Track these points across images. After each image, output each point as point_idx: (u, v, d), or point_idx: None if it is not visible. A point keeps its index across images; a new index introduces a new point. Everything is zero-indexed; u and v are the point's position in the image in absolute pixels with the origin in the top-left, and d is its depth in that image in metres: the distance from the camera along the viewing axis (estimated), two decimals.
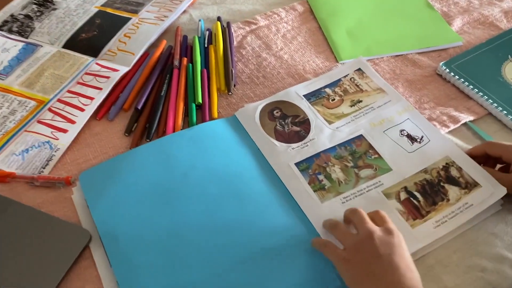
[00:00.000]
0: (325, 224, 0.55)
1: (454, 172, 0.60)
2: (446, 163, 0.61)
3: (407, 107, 0.68)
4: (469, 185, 0.59)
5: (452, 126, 0.67)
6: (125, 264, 0.53)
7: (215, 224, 0.56)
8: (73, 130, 0.65)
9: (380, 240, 0.49)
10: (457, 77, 0.73)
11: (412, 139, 0.64)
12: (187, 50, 0.77)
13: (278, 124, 0.67)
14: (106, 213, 0.57)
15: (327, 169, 0.62)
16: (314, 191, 0.59)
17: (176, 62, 0.74)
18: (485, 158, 0.61)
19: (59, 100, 0.68)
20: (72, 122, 0.66)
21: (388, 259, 0.47)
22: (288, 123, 0.67)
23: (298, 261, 0.54)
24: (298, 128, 0.66)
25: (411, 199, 0.58)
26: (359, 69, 0.74)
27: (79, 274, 0.53)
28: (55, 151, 0.63)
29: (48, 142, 0.64)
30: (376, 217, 0.53)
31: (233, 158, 0.63)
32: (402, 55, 0.79)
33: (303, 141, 0.65)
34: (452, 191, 0.59)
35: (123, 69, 0.72)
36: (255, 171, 0.61)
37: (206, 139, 0.64)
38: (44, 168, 0.61)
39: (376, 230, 0.50)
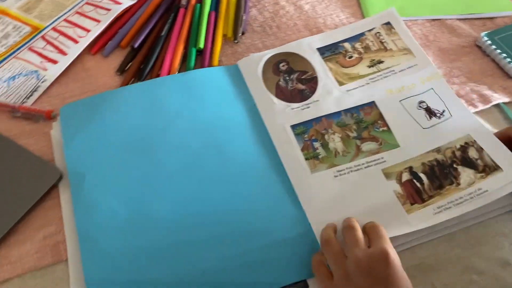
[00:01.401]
0: (321, 236, 0.47)
1: (472, 153, 0.52)
2: (465, 143, 0.53)
3: (434, 74, 0.59)
4: (488, 169, 0.51)
5: (481, 107, 0.58)
6: (87, 208, 0.49)
7: (191, 179, 0.51)
8: (64, 62, 0.61)
9: (371, 269, 0.41)
10: (499, 51, 0.63)
11: (431, 113, 0.56)
12: None
13: (281, 79, 0.60)
14: (79, 151, 0.53)
15: (326, 136, 0.55)
16: (306, 159, 0.53)
17: (183, 1, 0.68)
18: (508, 143, 0.52)
19: (54, 29, 0.64)
20: (64, 53, 0.62)
21: None
22: (293, 79, 0.60)
23: (277, 232, 0.48)
24: (303, 87, 0.59)
25: (414, 181, 0.51)
26: (388, 23, 0.64)
27: (43, 213, 0.50)
28: (42, 82, 0.60)
29: (36, 71, 0.60)
30: (373, 232, 0.45)
31: (225, 111, 0.57)
32: (440, 19, 0.69)
33: (305, 102, 0.58)
34: (466, 174, 0.51)
35: (127, 3, 0.67)
36: (245, 128, 0.56)
37: (200, 87, 0.59)
38: (28, 98, 0.58)
39: (366, 256, 0.42)
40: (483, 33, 0.65)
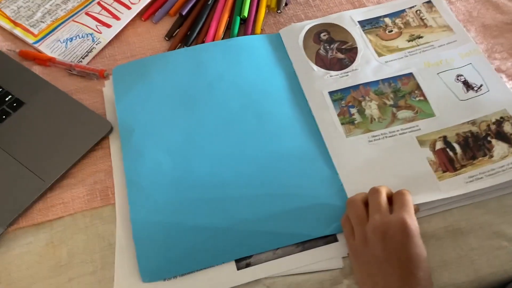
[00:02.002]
0: (348, 198, 0.49)
1: (508, 128, 0.53)
2: (501, 117, 0.53)
3: (474, 50, 0.59)
4: None
5: None
6: (135, 158, 0.53)
7: (230, 136, 0.54)
8: (117, 26, 0.65)
9: (386, 235, 0.43)
10: None
11: (468, 86, 0.57)
12: None
13: (322, 48, 0.62)
14: (129, 107, 0.57)
15: (363, 103, 0.56)
16: (342, 123, 0.55)
17: None
18: None
19: None
20: (118, 18, 0.66)
21: (397, 257, 0.42)
22: (333, 48, 0.62)
23: (311, 189, 0.51)
24: (342, 56, 0.61)
25: (447, 150, 0.52)
26: (429, 1, 0.65)
27: (94, 161, 0.55)
28: (96, 44, 0.64)
29: (91, 34, 0.65)
30: (398, 200, 0.46)
31: (265, 76, 0.59)
32: None
33: (344, 70, 0.59)
34: (500, 147, 0.51)
35: None
36: (284, 93, 0.58)
37: (242, 53, 0.61)
38: (83, 58, 0.63)
39: (384, 223, 0.43)
40: None
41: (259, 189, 0.51)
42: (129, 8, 0.67)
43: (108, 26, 0.65)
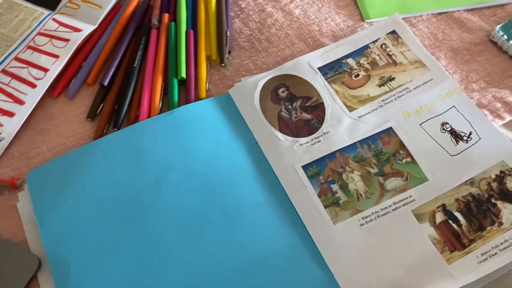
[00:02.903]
0: None
1: (511, 184, 0.46)
2: (501, 172, 0.47)
3: (454, 89, 0.52)
4: None
5: (508, 117, 0.52)
6: None
7: (195, 250, 0.44)
8: (22, 113, 0.51)
9: None
10: None
11: (457, 136, 0.49)
12: (169, 3, 0.60)
13: (283, 109, 0.52)
14: (57, 230, 0.44)
15: (344, 176, 0.48)
16: (325, 206, 0.46)
17: (155, 20, 0.57)
18: None
19: (4, 71, 0.53)
20: (21, 102, 0.51)
21: None
22: (296, 107, 0.52)
23: None
24: (308, 116, 0.51)
25: (450, 222, 0.45)
26: (393, 32, 0.57)
27: None
28: None
29: None
30: None
31: (223, 155, 0.49)
32: (446, 12, 0.61)
33: (314, 135, 0.50)
34: (507, 211, 0.45)
35: (88, 28, 0.56)
36: (250, 175, 0.48)
37: (189, 127, 0.50)
38: None
39: None
40: (497, 27, 0.58)
41: None
42: (33, 86, 0.52)
43: (11, 114, 0.51)
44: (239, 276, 0.43)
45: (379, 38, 0.56)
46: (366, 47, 0.56)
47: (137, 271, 0.43)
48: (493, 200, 0.46)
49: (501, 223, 0.44)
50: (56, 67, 0.53)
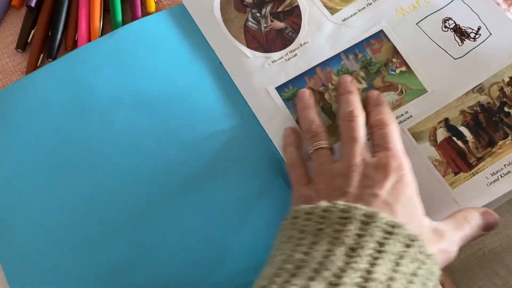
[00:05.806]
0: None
1: None
2: None
3: None
4: None
5: None
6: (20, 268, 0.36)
7: (153, 196, 0.37)
8: None
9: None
10: None
11: (462, 33, 0.40)
12: None
13: (250, 18, 0.42)
14: None
15: (326, 95, 0.40)
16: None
17: None
18: None
19: None
20: None
21: None
22: (266, 15, 0.42)
23: None
24: (281, 24, 0.42)
25: (454, 139, 0.38)
26: None
27: None
28: None
29: None
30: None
31: (180, 82, 0.40)
32: None
33: (289, 48, 0.41)
34: None
35: None
36: (213, 102, 0.40)
37: (138, 51, 0.41)
38: None
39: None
40: None
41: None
42: None
43: None
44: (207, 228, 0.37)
45: None
46: None
47: (83, 223, 0.37)
48: (506, 109, 0.38)
49: None
50: None
